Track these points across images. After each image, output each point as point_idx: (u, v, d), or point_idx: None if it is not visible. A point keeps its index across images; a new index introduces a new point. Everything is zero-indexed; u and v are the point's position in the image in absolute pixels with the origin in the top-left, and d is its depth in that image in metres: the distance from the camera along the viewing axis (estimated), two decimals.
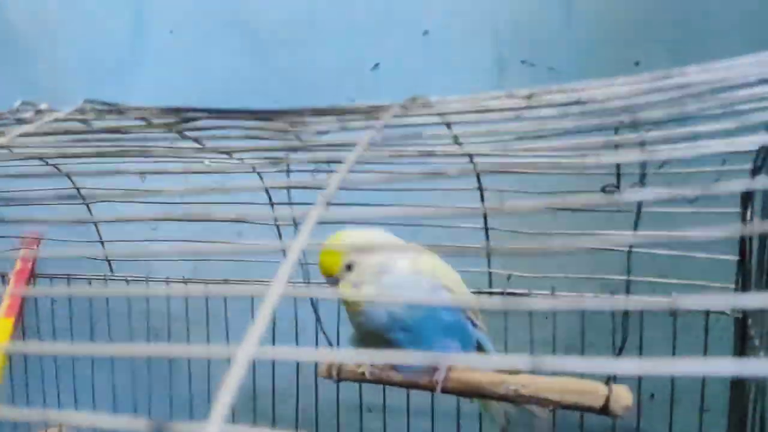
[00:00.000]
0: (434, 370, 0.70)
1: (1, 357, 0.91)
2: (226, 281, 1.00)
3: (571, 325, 0.95)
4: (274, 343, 0.80)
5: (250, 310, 1.03)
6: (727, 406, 0.83)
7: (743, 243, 0.75)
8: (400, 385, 0.72)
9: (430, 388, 0.71)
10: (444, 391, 0.70)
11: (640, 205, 0.63)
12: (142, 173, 1.03)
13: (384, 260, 0.69)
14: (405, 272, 0.68)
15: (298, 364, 1.02)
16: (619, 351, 0.68)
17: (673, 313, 0.80)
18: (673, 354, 0.85)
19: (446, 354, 0.70)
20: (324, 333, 0.81)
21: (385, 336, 0.68)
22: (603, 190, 0.78)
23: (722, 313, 0.79)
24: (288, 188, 0.80)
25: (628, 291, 0.65)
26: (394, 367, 0.71)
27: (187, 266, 1.10)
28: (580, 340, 0.88)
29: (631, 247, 0.66)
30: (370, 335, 0.69)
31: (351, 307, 0.69)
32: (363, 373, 0.73)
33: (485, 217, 0.82)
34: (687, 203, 0.75)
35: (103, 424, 0.20)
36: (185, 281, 1.02)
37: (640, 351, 0.85)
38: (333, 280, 0.70)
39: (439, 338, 0.70)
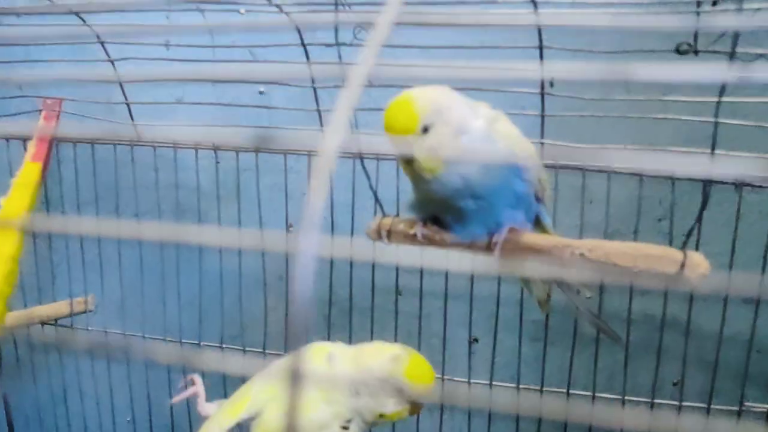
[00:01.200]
0: (492, 233, 0.65)
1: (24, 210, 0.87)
2: (257, 149, 0.95)
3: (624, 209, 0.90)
4: (332, 223, 0.77)
5: (284, 185, 0.99)
6: None
7: None
8: (454, 247, 0.67)
9: (486, 253, 0.66)
10: (502, 255, 0.65)
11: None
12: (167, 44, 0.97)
13: (462, 120, 0.62)
14: (482, 135, 0.62)
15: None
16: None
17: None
18: None
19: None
20: (377, 198, 0.75)
21: (452, 203, 0.63)
22: (678, 50, 0.71)
23: None
24: (336, 45, 0.73)
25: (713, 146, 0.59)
26: (450, 230, 0.67)
27: (213, 136, 1.05)
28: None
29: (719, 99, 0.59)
30: (435, 202, 0.64)
31: (425, 173, 0.62)
32: (414, 235, 0.68)
33: (542, 86, 0.75)
34: None
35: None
36: (215, 148, 0.97)
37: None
38: (408, 143, 0.61)
39: (507, 208, 0.65)
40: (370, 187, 0.73)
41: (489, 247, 0.65)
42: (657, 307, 0.98)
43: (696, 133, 0.82)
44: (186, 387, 0.82)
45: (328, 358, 0.71)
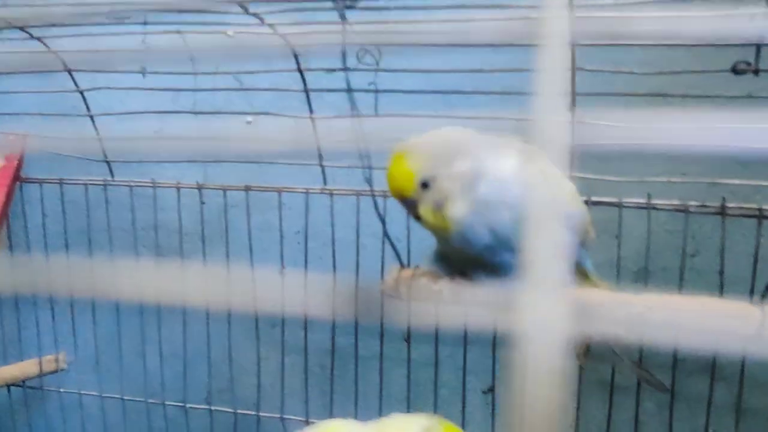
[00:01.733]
0: None
1: None
2: (247, 188, 0.85)
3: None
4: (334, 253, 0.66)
5: (278, 221, 0.89)
6: None
7: None
8: (486, 311, 0.58)
9: None
10: None
11: None
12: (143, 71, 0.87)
13: (476, 164, 0.53)
14: (507, 176, 0.53)
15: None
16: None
17: None
18: None
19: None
20: (393, 246, 0.66)
21: (485, 259, 0.54)
22: (734, 69, 0.63)
23: None
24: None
25: None
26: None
27: (197, 170, 0.95)
28: None
29: None
30: (464, 257, 0.55)
31: (438, 231, 0.55)
32: (440, 291, 0.58)
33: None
34: None
35: None
36: (199, 186, 0.87)
37: None
38: (410, 202, 0.55)
39: None
40: (383, 227, 0.63)
41: None
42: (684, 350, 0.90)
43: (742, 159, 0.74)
44: None
45: None
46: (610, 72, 0.63)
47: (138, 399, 0.98)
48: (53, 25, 0.72)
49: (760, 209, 0.66)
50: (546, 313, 0.25)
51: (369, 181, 0.68)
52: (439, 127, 0.56)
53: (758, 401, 0.83)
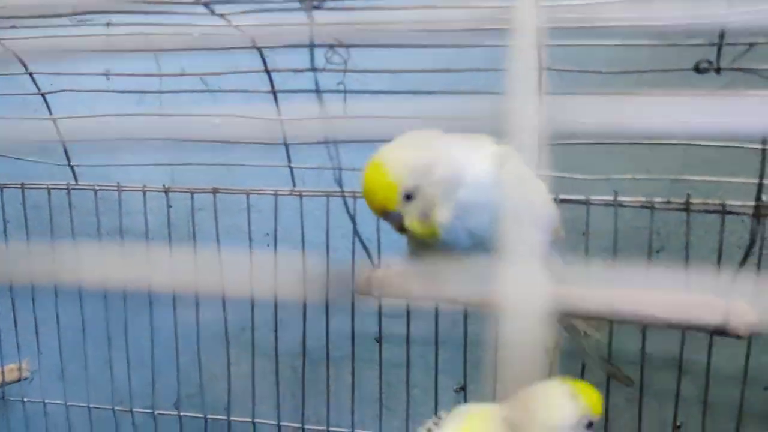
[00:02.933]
0: None
1: None
2: (215, 190, 0.84)
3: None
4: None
5: (247, 223, 0.88)
6: None
7: None
8: (462, 305, 0.58)
9: None
10: None
11: None
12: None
13: (456, 172, 0.53)
14: (487, 180, 0.53)
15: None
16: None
17: None
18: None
19: None
20: (364, 246, 0.65)
21: (467, 257, 0.55)
22: (696, 68, 0.64)
23: None
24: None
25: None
26: None
27: (164, 173, 0.93)
28: None
29: None
30: (439, 255, 0.56)
31: (424, 239, 0.55)
32: (412, 289, 0.58)
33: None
34: None
35: None
36: (166, 190, 0.86)
37: None
38: (395, 216, 0.54)
39: None
40: (354, 228, 0.63)
41: None
42: (653, 345, 0.91)
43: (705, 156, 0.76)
44: None
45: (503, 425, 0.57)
46: (577, 71, 0.64)
47: (105, 407, 0.96)
48: (13, 27, 0.70)
49: (723, 204, 0.68)
50: (526, 287, 0.25)
51: (339, 181, 0.67)
52: (410, 132, 0.55)
53: (723, 394, 0.85)
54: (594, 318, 0.55)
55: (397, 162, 0.53)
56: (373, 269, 0.60)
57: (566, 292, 0.56)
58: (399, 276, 0.59)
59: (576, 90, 0.67)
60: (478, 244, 0.54)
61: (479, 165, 0.54)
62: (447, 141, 0.55)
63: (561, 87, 0.70)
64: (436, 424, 0.61)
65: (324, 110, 0.64)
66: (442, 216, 0.53)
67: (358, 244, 0.74)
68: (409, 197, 0.53)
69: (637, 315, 0.53)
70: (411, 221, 0.53)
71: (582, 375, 0.81)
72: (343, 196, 0.67)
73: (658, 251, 0.89)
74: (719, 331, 0.53)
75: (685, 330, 0.53)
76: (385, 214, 0.54)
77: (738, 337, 0.53)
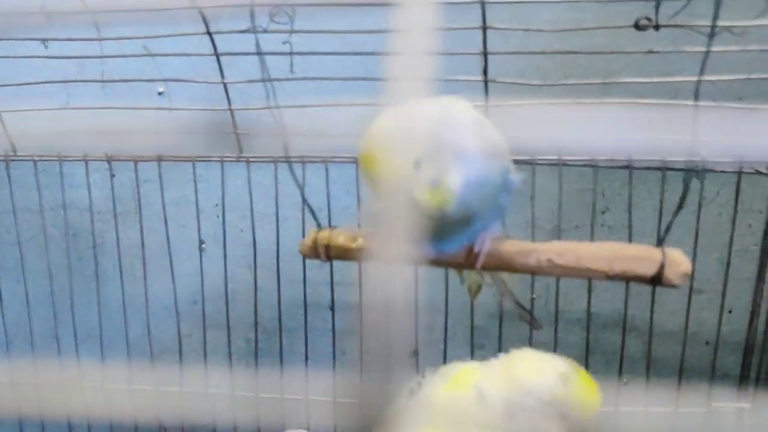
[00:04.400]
0: (470, 246, 0.57)
1: None
2: (160, 158, 0.82)
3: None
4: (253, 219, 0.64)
5: (194, 194, 0.87)
6: None
7: None
8: (419, 264, 0.59)
9: (464, 266, 0.58)
10: (471, 266, 0.57)
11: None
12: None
13: (457, 138, 0.52)
14: (479, 150, 0.53)
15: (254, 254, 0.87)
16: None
17: None
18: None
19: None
20: (311, 209, 0.64)
21: (438, 225, 0.54)
22: (637, 25, 0.65)
23: (758, 172, 0.70)
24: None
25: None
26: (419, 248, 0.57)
27: (106, 143, 0.91)
28: None
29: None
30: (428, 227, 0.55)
31: (431, 211, 0.51)
32: (359, 249, 0.58)
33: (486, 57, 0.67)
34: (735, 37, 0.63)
35: None
36: (108, 158, 0.83)
37: None
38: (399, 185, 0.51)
39: (491, 221, 0.58)
40: (301, 194, 0.62)
41: (467, 260, 0.56)
42: (602, 304, 0.93)
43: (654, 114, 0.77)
44: None
45: (478, 393, 0.56)
46: (522, 30, 0.64)
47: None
48: None
49: (663, 162, 0.69)
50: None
51: (285, 147, 0.66)
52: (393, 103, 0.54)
53: (667, 350, 0.87)
54: (535, 272, 0.56)
55: (408, 131, 0.51)
56: (319, 230, 0.60)
57: (506, 245, 0.57)
58: (345, 236, 0.59)
59: (521, 49, 0.68)
60: (468, 212, 0.54)
61: (473, 135, 0.53)
62: (437, 108, 0.53)
63: (506, 47, 0.70)
64: (419, 383, 0.59)
65: (266, 73, 0.63)
66: (455, 183, 0.51)
67: (308, 214, 0.74)
68: (418, 164, 0.50)
69: (575, 267, 0.55)
70: (421, 192, 0.50)
71: (530, 338, 0.82)
72: (289, 162, 0.66)
73: (603, 212, 0.91)
74: (655, 281, 0.54)
75: (622, 280, 0.54)
76: (394, 185, 0.52)
77: (673, 286, 0.54)
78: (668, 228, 0.54)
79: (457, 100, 0.55)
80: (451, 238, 0.56)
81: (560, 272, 0.55)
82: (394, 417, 0.58)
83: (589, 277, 0.54)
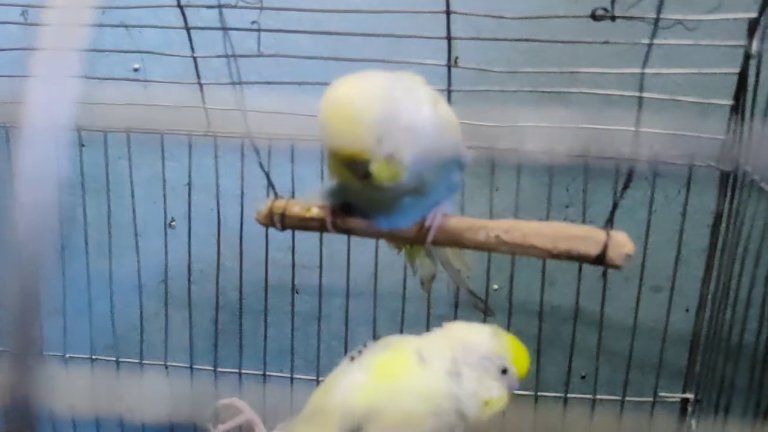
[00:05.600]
0: (422, 220, 0.59)
1: None
2: (129, 129, 0.83)
3: None
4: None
5: (161, 171, 0.87)
6: None
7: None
8: (370, 236, 0.60)
9: (416, 241, 0.60)
10: (421, 243, 0.59)
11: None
12: None
13: (414, 115, 0.53)
14: (433, 126, 0.54)
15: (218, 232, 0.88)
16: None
17: None
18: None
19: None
20: (269, 181, 0.64)
21: (390, 199, 0.56)
22: (593, 16, 0.66)
23: (710, 166, 0.71)
24: None
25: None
26: (369, 218, 0.59)
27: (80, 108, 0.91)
28: None
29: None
30: (364, 196, 0.57)
31: (384, 183, 0.53)
32: (312, 219, 0.59)
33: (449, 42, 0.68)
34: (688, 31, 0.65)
35: None
36: (78, 128, 0.84)
37: None
38: (361, 163, 0.51)
39: (442, 198, 0.59)
40: (260, 165, 0.63)
41: (418, 235, 0.58)
42: (563, 297, 0.95)
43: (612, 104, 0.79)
44: (216, 417, 0.63)
45: (419, 357, 0.59)
46: (483, 16, 0.66)
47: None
48: None
49: (617, 155, 0.71)
50: None
51: (247, 125, 0.66)
52: (353, 74, 0.54)
53: (624, 345, 0.88)
54: (482, 248, 0.57)
55: (368, 106, 0.51)
56: (275, 198, 0.61)
57: (456, 221, 0.59)
58: (300, 205, 0.60)
59: (481, 36, 0.69)
60: (419, 185, 0.55)
61: (426, 109, 0.54)
62: (393, 81, 0.54)
63: (468, 33, 0.72)
64: (360, 352, 0.61)
65: (231, 48, 0.63)
66: (407, 159, 0.52)
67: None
68: (380, 141, 0.51)
69: (521, 244, 0.56)
70: (378, 166, 0.51)
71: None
72: (251, 139, 0.66)
73: (566, 206, 0.93)
74: (598, 262, 0.56)
75: (567, 259, 0.55)
76: (353, 161, 0.51)
77: (615, 267, 0.56)
78: (614, 208, 0.55)
79: (411, 75, 0.56)
80: (404, 213, 0.58)
81: (507, 249, 0.56)
82: (332, 380, 0.59)
83: (534, 255, 0.56)
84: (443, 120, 0.55)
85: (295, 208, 0.60)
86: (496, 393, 0.59)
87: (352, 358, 0.60)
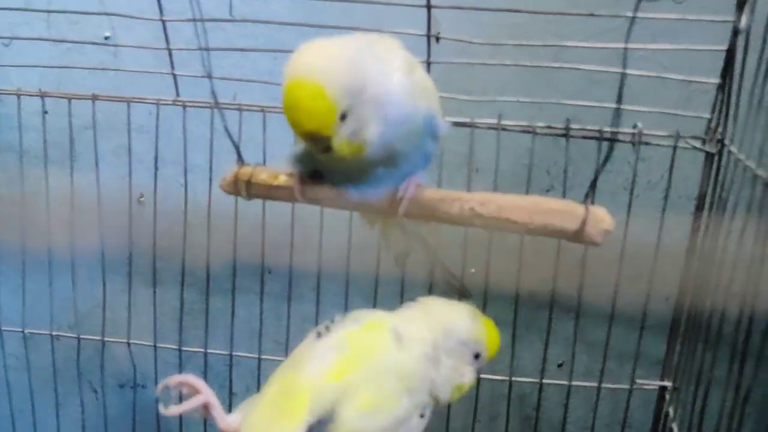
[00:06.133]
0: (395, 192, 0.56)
1: None
2: (95, 96, 0.79)
3: None
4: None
5: (127, 137, 0.83)
6: None
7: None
8: (341, 206, 0.57)
9: (388, 213, 0.57)
10: (393, 214, 0.56)
11: None
12: None
13: (384, 88, 0.50)
14: (405, 97, 0.51)
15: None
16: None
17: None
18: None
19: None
20: (236, 147, 0.61)
21: (361, 169, 0.53)
22: None
23: (695, 147, 0.69)
24: None
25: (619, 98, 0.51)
26: (339, 187, 0.56)
27: (49, 77, 0.88)
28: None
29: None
30: (334, 166, 0.54)
31: (346, 158, 0.51)
32: (279, 188, 0.56)
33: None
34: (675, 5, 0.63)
35: None
36: (42, 94, 0.80)
37: None
38: (323, 138, 0.49)
39: (415, 168, 0.56)
40: (226, 130, 0.60)
41: (390, 206, 0.55)
42: (541, 283, 0.93)
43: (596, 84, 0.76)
44: (167, 396, 0.58)
45: (395, 336, 0.56)
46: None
47: None
48: None
49: (600, 131, 0.68)
50: None
51: (214, 94, 0.62)
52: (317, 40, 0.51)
53: (602, 333, 0.86)
54: (456, 222, 0.55)
55: (332, 81, 0.47)
56: (241, 166, 0.58)
57: (430, 192, 0.56)
58: (268, 173, 0.57)
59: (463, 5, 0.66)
60: (390, 155, 0.52)
61: (398, 77, 0.51)
62: (363, 49, 0.51)
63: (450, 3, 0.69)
64: (327, 327, 0.59)
65: (199, 12, 0.60)
66: (372, 134, 0.50)
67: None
68: (344, 116, 0.48)
69: (496, 217, 0.53)
70: (340, 142, 0.49)
71: None
72: (218, 107, 0.62)
73: (548, 190, 0.91)
74: (576, 238, 0.53)
75: (544, 235, 0.53)
76: (315, 136, 0.49)
77: (594, 243, 0.53)
78: (593, 184, 0.53)
79: (387, 39, 0.53)
80: (375, 183, 0.55)
81: (481, 223, 0.54)
82: (298, 358, 0.57)
83: (510, 229, 0.53)
84: (417, 87, 0.53)
85: (263, 176, 0.57)
86: (467, 378, 0.58)
87: (319, 334, 0.57)
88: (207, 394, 0.56)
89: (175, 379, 0.57)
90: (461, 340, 0.57)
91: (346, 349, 0.54)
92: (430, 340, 0.56)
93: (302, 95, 0.47)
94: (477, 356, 0.58)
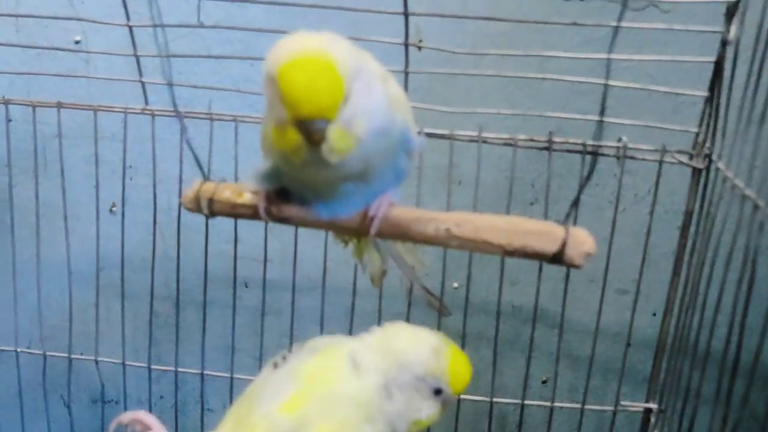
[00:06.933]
0: (365, 209, 0.53)
1: None
2: (60, 104, 0.76)
3: None
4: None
5: (104, 151, 0.80)
6: None
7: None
8: (310, 226, 0.54)
9: (359, 232, 0.54)
10: (364, 234, 0.53)
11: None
12: None
13: (372, 83, 0.47)
14: (386, 103, 0.48)
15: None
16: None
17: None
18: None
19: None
20: (197, 160, 0.57)
21: (331, 184, 0.50)
22: None
23: (681, 162, 0.66)
24: None
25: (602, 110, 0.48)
26: (307, 206, 0.53)
27: (18, 83, 0.84)
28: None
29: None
30: (303, 180, 0.51)
31: (333, 156, 0.45)
32: (243, 206, 0.53)
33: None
34: (662, 14, 0.60)
35: None
36: (5, 102, 0.77)
37: None
38: (320, 123, 0.43)
39: (387, 185, 0.52)
40: (187, 143, 0.56)
41: (361, 226, 0.52)
42: (525, 298, 0.90)
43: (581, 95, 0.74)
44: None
45: (352, 363, 0.53)
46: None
47: None
48: None
49: (584, 144, 0.66)
50: None
51: (175, 103, 0.59)
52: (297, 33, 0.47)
53: (588, 349, 0.84)
54: (431, 242, 0.52)
55: (340, 57, 0.43)
56: (203, 181, 0.55)
57: (404, 211, 0.53)
58: (232, 189, 0.54)
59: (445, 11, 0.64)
60: (364, 169, 0.48)
61: (377, 84, 0.48)
62: (347, 45, 0.47)
63: (432, 8, 0.66)
64: (284, 357, 0.56)
65: (159, 17, 0.56)
66: (363, 128, 0.45)
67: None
68: (345, 102, 0.44)
69: (472, 239, 0.51)
70: (336, 133, 0.44)
71: (438, 324, 0.78)
72: (182, 116, 0.59)
73: (531, 204, 0.88)
74: (556, 260, 0.51)
75: (522, 257, 0.50)
76: (311, 120, 0.43)
77: (574, 266, 0.51)
78: (575, 203, 0.50)
79: (360, 51, 0.50)
80: (346, 200, 0.52)
81: (458, 244, 0.51)
82: (255, 390, 0.54)
83: (487, 251, 0.50)
84: (392, 99, 0.50)
85: (226, 193, 0.54)
86: (425, 414, 0.54)
87: (276, 365, 0.55)
88: (158, 429, 0.54)
89: (127, 416, 0.54)
90: (417, 376, 0.53)
91: (301, 380, 0.51)
92: (383, 371, 0.52)
93: (310, 71, 0.43)
94: (438, 392, 0.54)
